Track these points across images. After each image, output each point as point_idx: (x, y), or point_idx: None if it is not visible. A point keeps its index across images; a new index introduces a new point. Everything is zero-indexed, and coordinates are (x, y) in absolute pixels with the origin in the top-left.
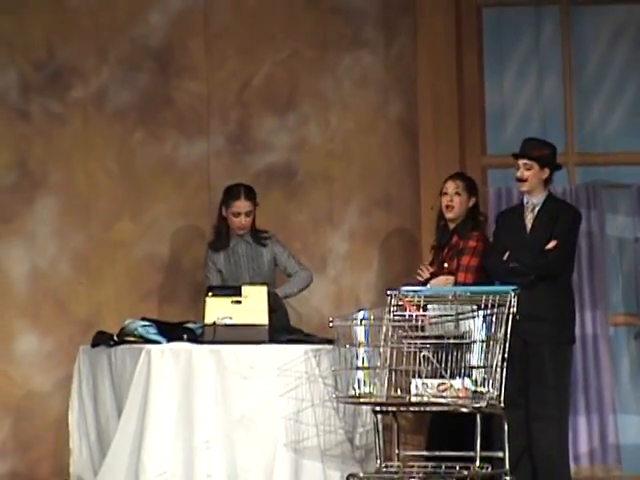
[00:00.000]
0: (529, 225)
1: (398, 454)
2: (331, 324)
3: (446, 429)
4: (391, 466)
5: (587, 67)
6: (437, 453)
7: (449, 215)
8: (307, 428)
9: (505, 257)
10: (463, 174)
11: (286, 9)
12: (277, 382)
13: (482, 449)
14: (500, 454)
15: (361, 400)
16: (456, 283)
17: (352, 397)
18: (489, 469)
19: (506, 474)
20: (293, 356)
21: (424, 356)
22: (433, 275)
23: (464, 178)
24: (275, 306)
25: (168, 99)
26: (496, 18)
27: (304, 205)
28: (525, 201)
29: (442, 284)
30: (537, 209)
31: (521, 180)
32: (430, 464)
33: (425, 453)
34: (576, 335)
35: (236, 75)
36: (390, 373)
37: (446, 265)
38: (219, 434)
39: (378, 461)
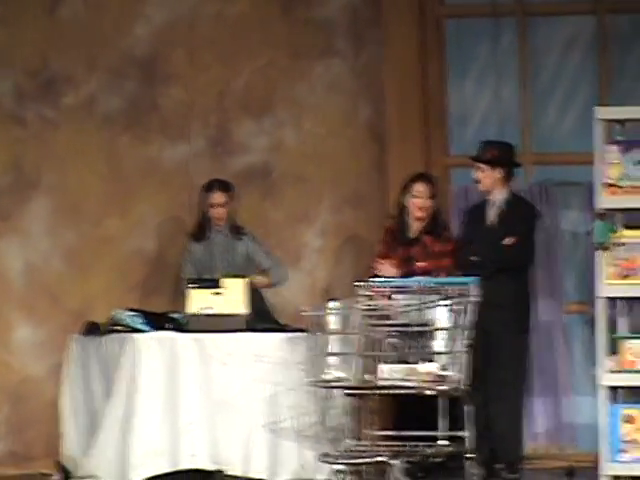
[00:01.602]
0: (491, 221)
1: (367, 434)
2: (304, 313)
3: (412, 411)
4: (361, 445)
5: (542, 73)
6: (404, 433)
7: (420, 215)
8: (283, 411)
9: (468, 251)
10: (429, 176)
11: (263, 20)
12: (255, 368)
13: (447, 430)
14: (462, 434)
15: (332, 384)
16: None
17: (324, 381)
18: (452, 447)
19: (468, 451)
20: (269, 343)
21: (391, 342)
22: (405, 273)
23: (432, 181)
24: (260, 303)
25: (153, 105)
26: (457, 28)
27: (280, 203)
28: (488, 198)
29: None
30: (499, 206)
31: (477, 182)
32: (397, 443)
33: (392, 433)
34: (532, 323)
35: (216, 82)
36: (359, 359)
37: (420, 264)
38: (202, 416)
39: (348, 441)
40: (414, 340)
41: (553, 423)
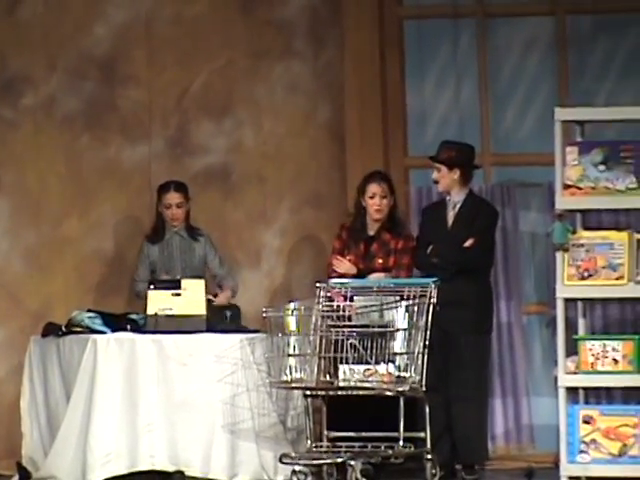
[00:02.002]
0: (450, 222)
1: (327, 435)
2: (264, 314)
3: (370, 412)
4: (320, 446)
5: (501, 74)
6: (364, 434)
7: (378, 216)
8: (242, 411)
9: (428, 252)
10: (383, 174)
11: (222, 21)
12: (214, 368)
13: (405, 431)
14: (422, 434)
15: (292, 385)
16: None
17: (284, 382)
18: (412, 448)
19: (427, 452)
20: (229, 344)
21: (351, 344)
22: (364, 269)
23: (387, 180)
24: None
25: (112, 106)
26: (416, 29)
27: (239, 204)
28: (447, 199)
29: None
30: (458, 206)
31: (434, 181)
32: (357, 444)
33: (352, 434)
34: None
35: (175, 83)
36: (319, 360)
37: (380, 261)
38: (161, 417)
39: (309, 441)
40: (373, 341)
41: (512, 424)
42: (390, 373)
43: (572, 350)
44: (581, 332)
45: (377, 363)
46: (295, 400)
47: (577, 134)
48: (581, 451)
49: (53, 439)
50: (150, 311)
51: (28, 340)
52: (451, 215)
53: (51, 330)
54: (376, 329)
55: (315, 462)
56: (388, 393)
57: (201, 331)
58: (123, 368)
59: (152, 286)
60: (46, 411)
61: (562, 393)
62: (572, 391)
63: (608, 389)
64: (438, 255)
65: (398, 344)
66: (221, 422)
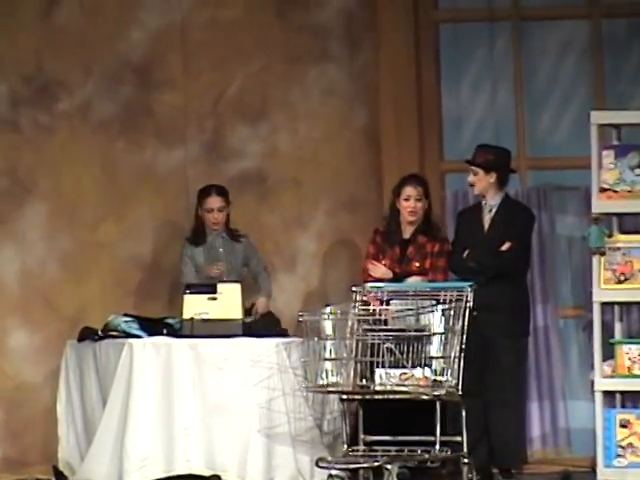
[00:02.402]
0: (486, 225)
1: (364, 439)
2: (300, 319)
3: (407, 416)
4: (357, 450)
5: (537, 78)
6: (400, 438)
7: (412, 219)
8: (279, 415)
9: (464, 256)
10: (419, 177)
11: (257, 26)
12: (250, 373)
13: (441, 434)
14: (459, 438)
15: (329, 389)
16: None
17: (320, 386)
18: (448, 452)
19: (464, 456)
20: (265, 348)
21: (387, 348)
22: (400, 273)
23: (422, 183)
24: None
25: (148, 110)
26: (452, 32)
27: (275, 208)
28: (483, 202)
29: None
30: (494, 210)
31: (471, 185)
32: (393, 448)
33: (389, 438)
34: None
35: (211, 87)
36: (355, 364)
37: (417, 264)
38: (197, 421)
39: (345, 446)
40: (410, 345)
41: (549, 427)
42: (426, 377)
43: (608, 354)
44: (617, 336)
45: (413, 367)
46: (331, 404)
47: (613, 137)
48: (618, 455)
49: (89, 443)
50: (186, 315)
51: (64, 345)
52: (487, 219)
53: (87, 335)
54: (412, 333)
55: (352, 466)
56: (424, 397)
57: (237, 335)
58: (159, 372)
59: (188, 290)
60: (82, 415)
61: (599, 397)
62: (609, 395)
63: None
64: (474, 259)
65: (434, 348)
66: (257, 426)
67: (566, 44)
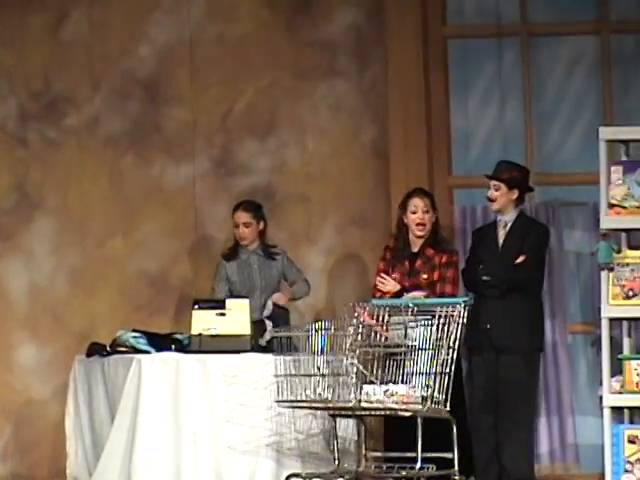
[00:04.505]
0: (501, 241)
1: (365, 455)
2: (275, 334)
3: (402, 433)
4: (351, 466)
5: (546, 93)
6: (407, 455)
7: (420, 232)
8: (288, 431)
9: (479, 270)
10: (425, 191)
11: (266, 41)
12: (259, 388)
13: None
14: (449, 455)
15: (313, 405)
16: (443, 294)
17: (299, 402)
18: (433, 469)
19: (454, 474)
20: (274, 363)
21: (351, 364)
22: (409, 286)
23: (429, 195)
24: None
25: (156, 125)
26: (461, 48)
27: (283, 223)
28: (498, 219)
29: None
30: (509, 226)
31: (490, 200)
32: (386, 465)
33: (393, 454)
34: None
35: (219, 102)
36: (346, 379)
37: (425, 276)
38: (205, 437)
39: (336, 462)
40: (399, 361)
41: (557, 443)
42: (411, 393)
43: (617, 370)
44: (626, 351)
45: (402, 383)
46: (340, 420)
47: (622, 153)
48: (626, 471)
49: (98, 459)
50: (194, 331)
51: (73, 360)
52: (502, 234)
53: (96, 350)
54: (402, 349)
55: None
56: (405, 414)
57: (246, 351)
58: (167, 388)
59: (197, 306)
60: (91, 431)
61: (607, 413)
62: (617, 411)
63: None
64: (489, 273)
65: (422, 364)
66: (266, 441)
67: (575, 60)
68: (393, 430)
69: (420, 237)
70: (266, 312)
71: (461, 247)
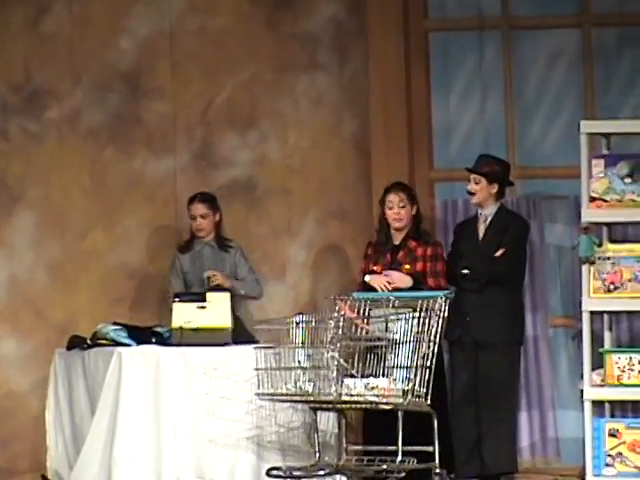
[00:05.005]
0: (481, 234)
1: (346, 448)
2: (257, 327)
3: (383, 426)
4: (332, 460)
5: (527, 87)
6: (388, 448)
7: (398, 225)
8: (269, 423)
9: (459, 264)
10: (403, 185)
11: (247, 34)
12: (240, 381)
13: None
14: (430, 449)
15: (294, 398)
16: (439, 288)
17: (280, 394)
18: (413, 463)
19: (435, 467)
20: (254, 356)
21: (331, 357)
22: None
23: (405, 189)
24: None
25: (137, 119)
26: (442, 41)
27: (264, 217)
28: (479, 213)
29: (403, 281)
30: (489, 220)
31: (470, 193)
32: (366, 458)
33: (373, 448)
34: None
35: (200, 96)
36: (327, 372)
37: (407, 267)
38: (186, 430)
39: (317, 455)
40: (380, 354)
41: (538, 437)
42: (392, 387)
43: (598, 363)
44: (607, 345)
45: (383, 376)
46: (321, 413)
47: (603, 147)
48: (607, 464)
49: (78, 452)
50: (175, 324)
51: (53, 353)
52: (482, 228)
53: (76, 343)
54: (382, 342)
55: (300, 475)
56: (385, 407)
57: (226, 344)
58: (148, 381)
59: (177, 299)
60: (71, 424)
61: (588, 406)
62: (598, 404)
63: (634, 402)
64: (468, 266)
65: (404, 357)
66: (246, 434)
67: (556, 53)
68: (371, 423)
69: (399, 230)
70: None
71: (443, 240)
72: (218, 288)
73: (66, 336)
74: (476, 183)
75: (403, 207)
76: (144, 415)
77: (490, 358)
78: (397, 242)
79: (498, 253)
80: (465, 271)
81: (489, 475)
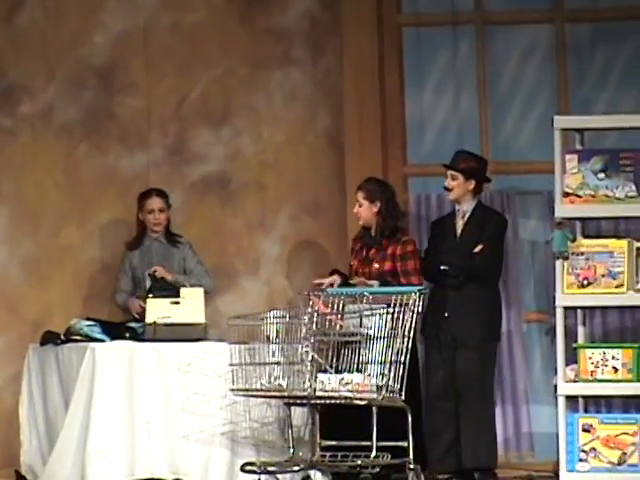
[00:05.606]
0: (459, 231)
1: (320, 443)
2: (230, 323)
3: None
4: (306, 455)
5: (501, 82)
6: (363, 444)
7: (360, 223)
8: (243, 420)
9: (437, 260)
10: (366, 183)
11: (220, 29)
12: (214, 376)
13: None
14: (404, 444)
15: (269, 394)
16: (409, 285)
17: (254, 390)
18: (387, 458)
19: (409, 462)
20: (228, 352)
21: (306, 352)
22: (363, 274)
23: (363, 188)
24: None
25: (111, 114)
26: (416, 36)
27: (238, 212)
28: (456, 209)
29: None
30: (467, 216)
31: (447, 189)
32: (340, 454)
33: (349, 443)
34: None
35: (174, 91)
36: (299, 368)
37: (377, 266)
38: (159, 426)
39: (291, 450)
40: (353, 350)
41: (512, 432)
42: (366, 382)
43: (572, 358)
44: (581, 340)
45: (357, 371)
46: (295, 409)
47: (576, 142)
48: (581, 460)
49: (52, 447)
50: (149, 319)
51: (27, 349)
52: (460, 224)
53: (50, 338)
54: (357, 338)
55: (274, 470)
56: (360, 402)
57: (200, 339)
58: (122, 376)
59: (150, 294)
60: (45, 419)
61: (562, 401)
62: (572, 399)
63: (608, 397)
64: (447, 262)
65: (377, 352)
66: (220, 430)
67: (530, 48)
68: (328, 419)
69: (367, 228)
70: (148, 283)
71: (417, 235)
72: (162, 281)
73: (40, 332)
74: (453, 179)
75: (360, 206)
76: (118, 410)
77: (467, 357)
78: (371, 238)
79: (477, 249)
80: (443, 267)
81: (465, 471)
